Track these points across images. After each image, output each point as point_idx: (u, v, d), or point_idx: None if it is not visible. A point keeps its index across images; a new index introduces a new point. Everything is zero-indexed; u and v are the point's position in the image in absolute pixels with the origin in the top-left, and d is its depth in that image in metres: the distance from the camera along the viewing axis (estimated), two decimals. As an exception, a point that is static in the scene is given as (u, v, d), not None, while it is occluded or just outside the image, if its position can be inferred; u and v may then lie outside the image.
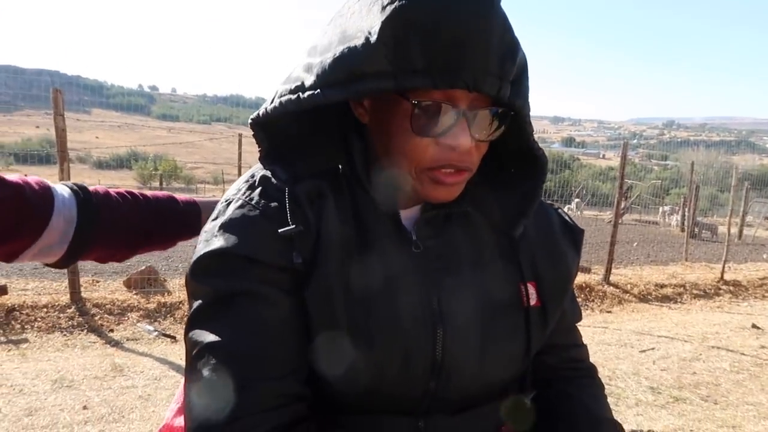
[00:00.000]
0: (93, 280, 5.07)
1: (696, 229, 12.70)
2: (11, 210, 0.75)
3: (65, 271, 4.45)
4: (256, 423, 0.57)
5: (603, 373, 3.56)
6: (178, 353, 3.72)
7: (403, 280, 0.65)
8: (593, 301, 5.93)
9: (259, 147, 0.68)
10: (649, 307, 6.01)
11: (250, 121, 0.66)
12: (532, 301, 0.71)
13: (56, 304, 4.31)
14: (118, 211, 0.89)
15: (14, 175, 0.80)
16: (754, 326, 5.16)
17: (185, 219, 0.98)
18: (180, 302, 4.64)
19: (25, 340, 3.84)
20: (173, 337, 4.07)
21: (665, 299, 6.33)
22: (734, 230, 10.66)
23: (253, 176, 0.68)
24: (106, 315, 4.32)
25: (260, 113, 0.65)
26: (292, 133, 0.68)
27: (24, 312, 4.17)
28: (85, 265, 5.26)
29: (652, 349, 4.30)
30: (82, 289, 4.53)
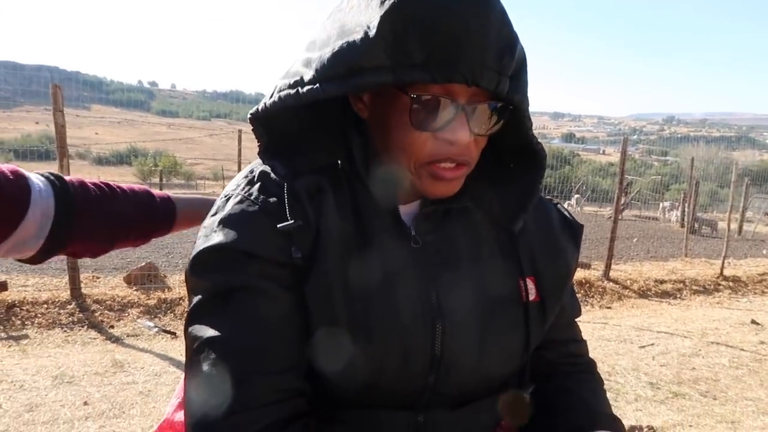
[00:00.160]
0: (93, 276, 5.08)
1: (696, 225, 12.70)
2: None
3: (65, 267, 4.46)
4: (255, 417, 0.57)
5: (602, 369, 3.57)
6: (178, 349, 3.72)
7: (402, 275, 0.65)
8: (593, 296, 5.94)
9: (258, 142, 0.68)
10: (649, 302, 6.02)
11: (249, 115, 0.66)
12: (531, 296, 0.71)
13: (56, 300, 4.32)
14: (96, 203, 0.85)
15: None
16: (753, 322, 5.17)
17: (161, 214, 0.96)
18: (180, 298, 4.64)
19: (26, 336, 3.85)
20: (173, 333, 4.07)
21: (665, 295, 6.34)
22: (734, 226, 10.67)
23: (252, 172, 0.68)
24: (106, 311, 4.33)
25: (259, 108, 0.65)
26: (291, 128, 0.68)
27: (24, 308, 4.17)
28: (85, 261, 5.27)
29: (652, 344, 4.31)
30: (82, 285, 4.53)
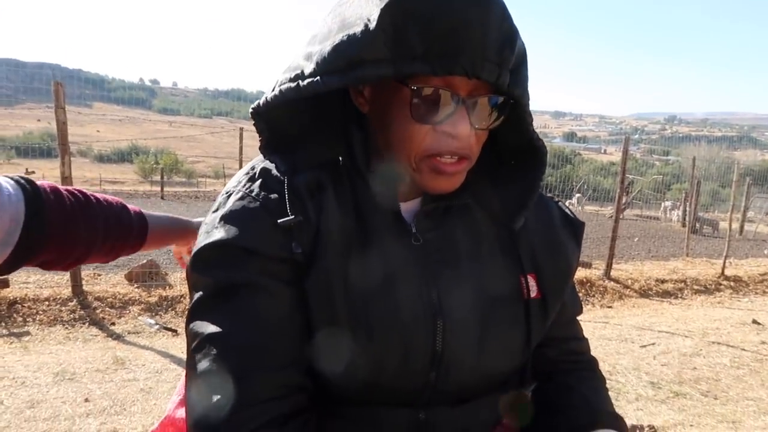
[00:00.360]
0: (95, 274, 5.09)
1: (697, 225, 12.69)
2: None
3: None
4: (255, 414, 0.57)
5: (603, 368, 3.54)
6: (179, 346, 3.73)
7: (402, 272, 0.65)
8: (594, 296, 5.94)
9: (260, 137, 0.68)
10: (650, 302, 6.02)
11: (251, 110, 0.66)
12: (533, 293, 0.71)
13: (58, 297, 4.33)
14: (70, 210, 0.79)
15: None
16: (754, 322, 5.16)
17: (134, 230, 0.91)
18: (181, 296, 4.65)
19: (27, 333, 3.85)
20: (174, 331, 4.08)
21: (666, 294, 6.33)
22: (735, 226, 10.65)
23: (253, 168, 0.68)
24: (107, 308, 4.34)
25: (261, 102, 0.65)
26: (293, 123, 0.68)
27: (26, 305, 4.18)
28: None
29: (653, 344, 4.31)
30: (83, 282, 4.54)
